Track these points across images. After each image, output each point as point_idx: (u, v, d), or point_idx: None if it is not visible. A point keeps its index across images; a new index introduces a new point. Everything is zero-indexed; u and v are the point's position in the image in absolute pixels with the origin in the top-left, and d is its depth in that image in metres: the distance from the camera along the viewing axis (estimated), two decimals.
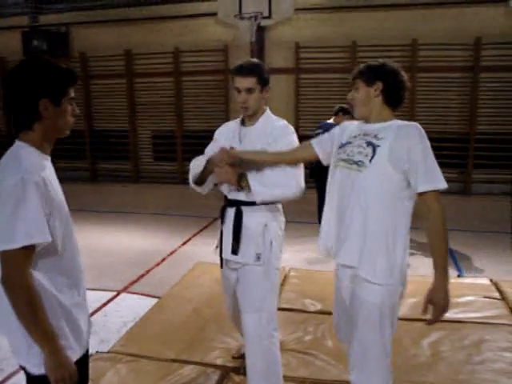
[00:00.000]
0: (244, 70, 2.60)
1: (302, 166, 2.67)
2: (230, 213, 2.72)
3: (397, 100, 2.29)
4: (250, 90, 2.60)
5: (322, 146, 2.51)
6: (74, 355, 1.74)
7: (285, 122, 2.75)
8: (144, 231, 7.09)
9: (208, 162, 2.70)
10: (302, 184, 2.64)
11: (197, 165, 2.77)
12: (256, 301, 2.68)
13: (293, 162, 2.61)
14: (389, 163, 2.13)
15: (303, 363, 3.31)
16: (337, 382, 3.06)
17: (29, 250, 1.57)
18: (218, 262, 2.85)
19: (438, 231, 2.12)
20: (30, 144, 1.69)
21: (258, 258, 2.65)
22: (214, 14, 9.61)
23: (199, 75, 10.47)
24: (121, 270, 5.34)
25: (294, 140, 2.68)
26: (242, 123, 2.79)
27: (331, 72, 9.34)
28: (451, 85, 9.35)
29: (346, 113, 5.81)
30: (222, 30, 10.01)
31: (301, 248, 5.93)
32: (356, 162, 2.20)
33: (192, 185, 2.83)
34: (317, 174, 5.55)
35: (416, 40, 9.16)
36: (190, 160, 2.92)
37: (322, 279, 4.62)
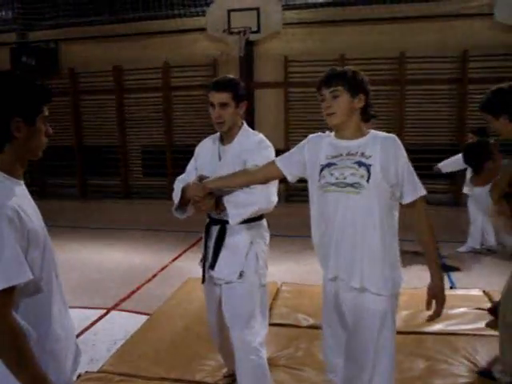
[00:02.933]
0: (218, 85, 2.60)
1: (274, 181, 2.66)
2: (214, 230, 2.75)
3: (369, 115, 2.31)
4: (224, 105, 2.59)
5: (286, 163, 2.46)
6: None
7: (261, 136, 2.73)
8: (134, 247, 7.02)
9: (183, 190, 2.68)
10: (273, 198, 2.63)
11: (175, 194, 2.76)
12: (241, 317, 2.69)
13: (263, 181, 2.58)
14: (383, 180, 2.17)
15: (296, 379, 3.27)
16: None
17: (10, 292, 1.43)
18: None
19: (427, 230, 2.29)
20: None
21: (241, 275, 2.66)
22: (202, 29, 9.69)
23: (188, 90, 10.48)
24: (111, 287, 5.27)
25: (271, 154, 2.65)
26: (221, 140, 2.78)
27: None
28: (439, 97, 9.42)
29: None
30: (211, 44, 10.05)
31: (293, 262, 5.90)
32: (351, 185, 2.19)
33: (174, 213, 2.81)
34: None
35: (404, 53, 9.25)
36: (179, 175, 2.90)
37: (315, 294, 4.57)
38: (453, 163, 6.15)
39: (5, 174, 1.54)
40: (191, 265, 6.06)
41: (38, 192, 10.97)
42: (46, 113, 1.62)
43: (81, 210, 10.32)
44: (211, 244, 2.76)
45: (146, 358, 3.58)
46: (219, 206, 2.60)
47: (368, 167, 2.17)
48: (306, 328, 4.01)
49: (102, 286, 5.33)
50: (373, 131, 2.30)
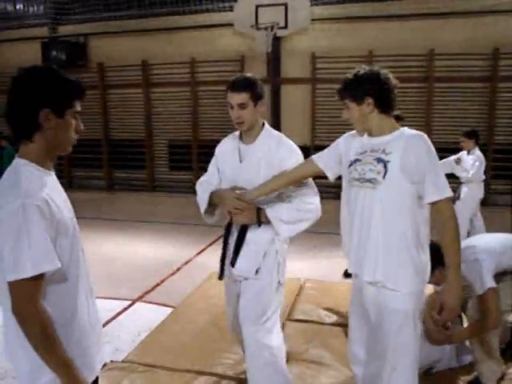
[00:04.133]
0: (236, 86, 2.58)
1: (316, 190, 2.68)
2: (235, 228, 2.74)
3: (391, 105, 2.29)
4: (242, 105, 2.58)
5: (325, 161, 2.51)
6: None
7: (289, 141, 2.71)
8: (159, 240, 7.11)
9: (212, 195, 2.71)
10: (320, 209, 2.65)
11: (201, 198, 2.77)
12: (253, 313, 2.67)
13: (301, 180, 2.61)
14: (401, 177, 2.16)
15: (318, 374, 3.27)
16: None
17: (38, 280, 1.48)
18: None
19: (450, 232, 2.19)
20: (30, 159, 1.58)
21: (257, 272, 2.67)
22: (230, 25, 9.70)
23: (215, 85, 10.48)
24: (136, 279, 5.34)
25: (301, 159, 2.66)
26: (241, 139, 2.77)
27: None
28: (469, 95, 9.27)
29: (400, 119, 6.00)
30: (239, 40, 10.06)
31: (317, 259, 5.89)
32: (369, 180, 2.22)
33: (204, 217, 2.85)
34: None
35: (433, 50, 9.12)
36: (205, 170, 2.92)
37: (338, 291, 4.58)
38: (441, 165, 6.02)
39: (35, 164, 1.58)
40: (215, 259, 6.06)
41: (66, 184, 11.19)
42: (78, 108, 1.64)
43: (107, 203, 10.47)
44: (232, 241, 2.76)
45: (170, 349, 3.63)
46: (260, 218, 2.60)
47: (386, 163, 2.18)
48: (329, 325, 4.01)
49: (127, 278, 5.40)
50: (402, 129, 2.29)
